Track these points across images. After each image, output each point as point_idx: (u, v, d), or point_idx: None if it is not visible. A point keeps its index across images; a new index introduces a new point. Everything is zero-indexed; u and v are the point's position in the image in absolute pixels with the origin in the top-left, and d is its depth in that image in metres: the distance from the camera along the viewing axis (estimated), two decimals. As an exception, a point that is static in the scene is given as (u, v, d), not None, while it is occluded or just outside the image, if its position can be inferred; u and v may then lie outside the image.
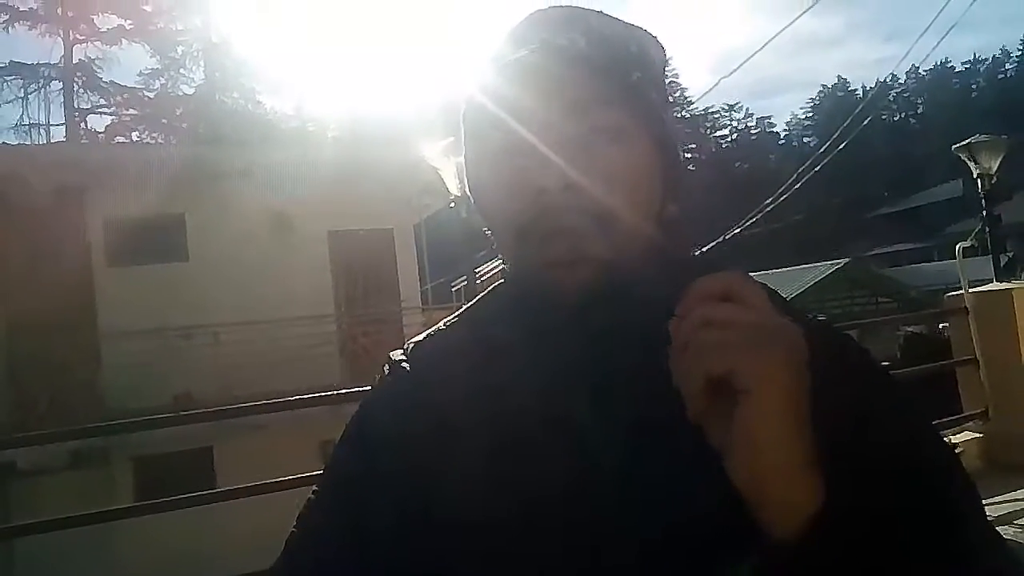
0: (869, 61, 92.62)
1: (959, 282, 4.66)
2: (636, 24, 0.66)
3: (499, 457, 0.58)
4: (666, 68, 0.68)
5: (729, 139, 58.66)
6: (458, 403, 0.61)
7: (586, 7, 0.64)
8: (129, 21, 23.91)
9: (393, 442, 0.63)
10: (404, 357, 0.69)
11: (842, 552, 0.45)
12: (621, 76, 0.61)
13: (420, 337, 0.71)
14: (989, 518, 0.56)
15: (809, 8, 7.95)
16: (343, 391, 3.32)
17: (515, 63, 0.60)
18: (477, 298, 0.72)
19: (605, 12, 0.65)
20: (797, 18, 8.20)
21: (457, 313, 0.72)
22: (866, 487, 0.47)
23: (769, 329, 0.46)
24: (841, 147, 12.81)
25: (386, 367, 0.70)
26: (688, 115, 53.09)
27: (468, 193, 0.66)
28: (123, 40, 24.24)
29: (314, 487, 0.69)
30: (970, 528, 0.51)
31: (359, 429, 0.68)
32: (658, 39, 0.67)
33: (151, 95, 26.04)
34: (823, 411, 0.46)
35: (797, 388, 0.45)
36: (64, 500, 5.93)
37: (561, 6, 0.64)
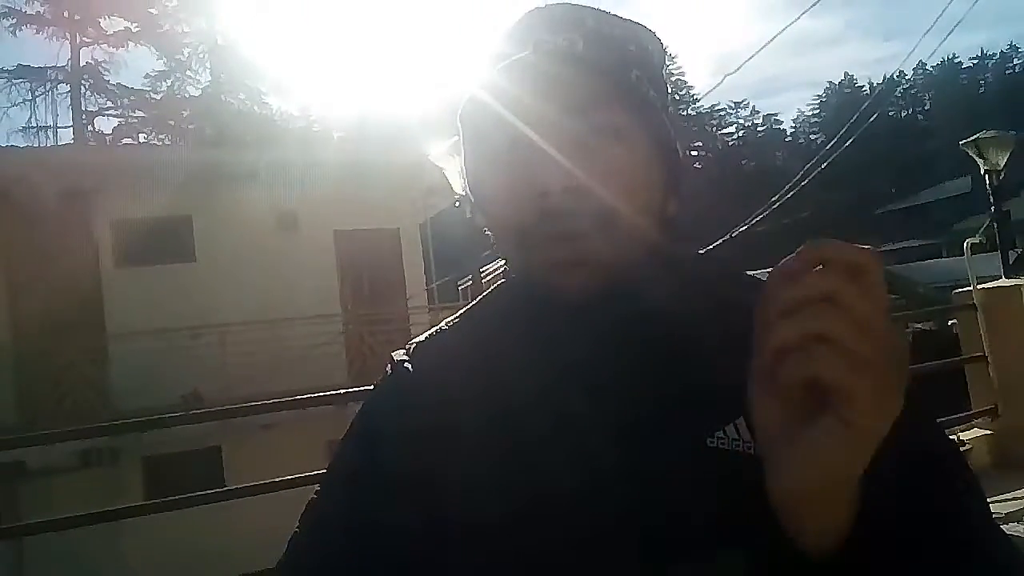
0: (870, 60, 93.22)
1: (968, 278, 4.63)
2: (635, 20, 0.66)
3: (502, 456, 0.58)
4: (666, 64, 0.68)
5: (736, 137, 58.47)
6: (461, 402, 0.62)
7: (584, 5, 0.63)
8: (135, 24, 24.04)
9: (397, 440, 0.63)
10: (407, 357, 0.70)
11: (868, 559, 0.44)
12: (620, 76, 0.60)
13: (422, 337, 0.71)
14: (997, 516, 0.56)
15: (811, 7, 7.92)
16: (349, 390, 3.33)
17: (513, 65, 0.59)
18: (479, 298, 0.72)
19: (603, 9, 0.64)
20: (799, 17, 8.18)
21: (459, 313, 0.72)
22: (885, 497, 0.46)
23: (898, 354, 0.39)
24: (848, 144, 12.75)
25: (389, 367, 0.70)
26: (694, 113, 52.96)
27: (468, 194, 0.66)
28: (129, 43, 24.40)
29: (318, 485, 0.69)
30: (973, 524, 0.51)
31: (363, 427, 0.69)
32: (657, 35, 0.66)
33: (158, 97, 26.18)
34: None
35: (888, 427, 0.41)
36: (74, 499, 5.96)
37: (559, 4, 0.63)
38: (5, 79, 23.48)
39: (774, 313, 0.39)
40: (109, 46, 24.28)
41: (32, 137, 23.81)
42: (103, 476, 7.83)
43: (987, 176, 6.91)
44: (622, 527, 0.53)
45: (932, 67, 53.51)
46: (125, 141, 25.08)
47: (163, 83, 26.41)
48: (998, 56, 59.51)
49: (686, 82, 55.41)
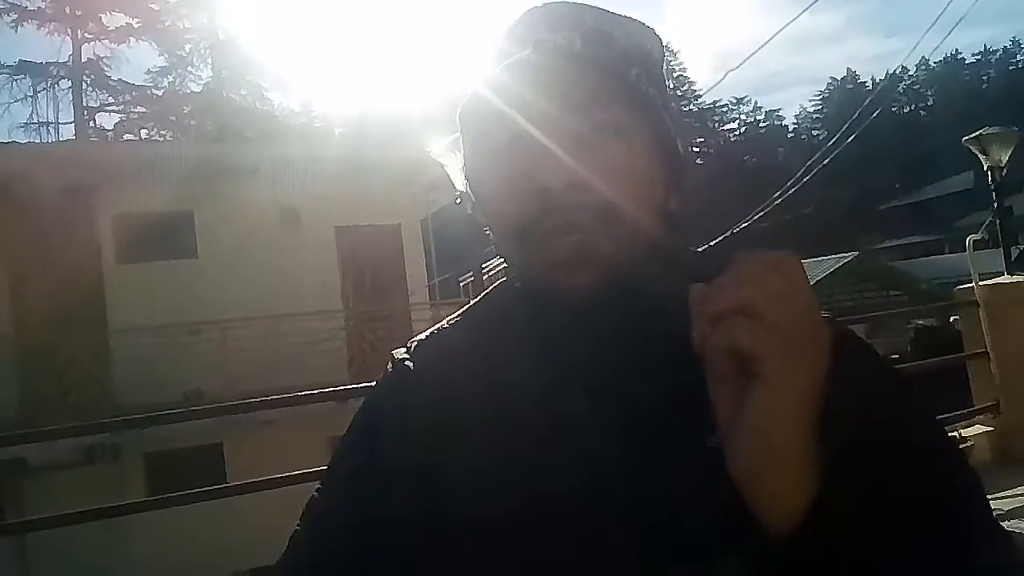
0: (872, 56, 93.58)
1: (970, 275, 4.62)
2: (634, 18, 0.66)
3: (503, 454, 0.58)
4: (665, 62, 0.68)
5: (738, 133, 58.37)
6: (462, 400, 0.62)
7: (584, 3, 0.63)
8: (137, 19, 24.04)
9: (398, 438, 0.63)
10: (407, 355, 0.70)
11: (836, 544, 0.45)
12: (620, 73, 0.60)
13: (423, 335, 0.71)
14: (998, 512, 0.55)
15: (813, 3, 7.91)
16: (350, 387, 3.33)
17: (513, 63, 0.59)
18: (480, 296, 0.72)
19: (602, 8, 0.64)
20: (801, 13, 8.18)
21: (460, 311, 0.72)
22: (865, 481, 0.46)
23: (808, 324, 0.44)
24: (850, 140, 12.72)
25: (390, 365, 0.71)
26: (696, 109, 52.89)
27: (469, 192, 0.66)
28: (131, 38, 24.40)
29: (319, 481, 0.69)
30: (971, 520, 0.51)
31: (364, 424, 0.69)
32: (656, 33, 0.66)
33: (159, 93, 26.20)
34: (830, 412, 0.45)
35: (813, 391, 0.44)
36: (76, 496, 5.98)
37: (559, 3, 0.63)
38: (7, 75, 23.53)
39: (707, 295, 0.45)
40: (110, 42, 24.30)
41: (34, 133, 23.89)
42: (105, 472, 7.85)
43: (990, 172, 6.89)
44: (622, 526, 0.53)
45: (935, 63, 53.40)
46: (127, 137, 25.12)
47: (165, 79, 26.46)
48: (1001, 52, 59.29)
49: (688, 78, 55.37)
